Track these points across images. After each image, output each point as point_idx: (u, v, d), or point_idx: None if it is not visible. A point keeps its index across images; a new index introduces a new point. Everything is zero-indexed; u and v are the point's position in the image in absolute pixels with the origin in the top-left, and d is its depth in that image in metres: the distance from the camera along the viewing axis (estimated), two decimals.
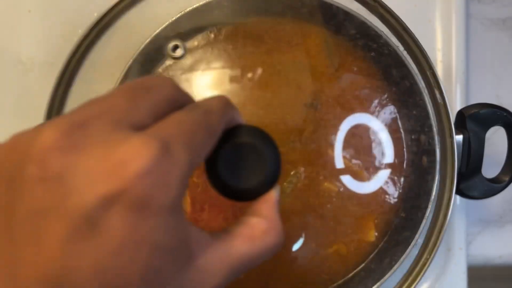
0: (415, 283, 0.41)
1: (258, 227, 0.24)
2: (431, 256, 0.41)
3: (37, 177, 0.18)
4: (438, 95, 0.42)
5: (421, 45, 0.43)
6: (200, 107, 0.23)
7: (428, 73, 0.43)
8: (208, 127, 0.23)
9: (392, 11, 0.43)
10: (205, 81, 0.47)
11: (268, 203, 0.26)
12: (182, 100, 0.24)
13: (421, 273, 0.41)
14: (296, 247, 0.45)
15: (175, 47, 0.44)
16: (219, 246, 0.23)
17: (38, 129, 0.20)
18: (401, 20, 0.43)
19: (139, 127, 0.20)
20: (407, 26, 0.43)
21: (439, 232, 0.41)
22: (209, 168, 0.26)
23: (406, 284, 0.42)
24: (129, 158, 0.19)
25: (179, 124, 0.21)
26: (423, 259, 0.42)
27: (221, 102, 0.25)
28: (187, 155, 0.20)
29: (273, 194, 0.26)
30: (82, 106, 0.21)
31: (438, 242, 0.41)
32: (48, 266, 0.18)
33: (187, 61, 0.47)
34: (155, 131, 0.20)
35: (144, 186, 0.19)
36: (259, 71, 0.46)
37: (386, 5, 0.43)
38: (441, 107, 0.42)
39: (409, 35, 0.43)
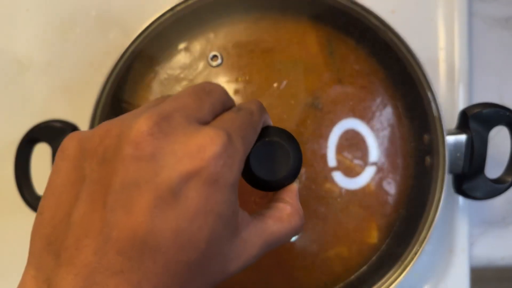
0: (404, 272, 0.42)
1: (285, 210, 0.29)
2: (421, 248, 0.42)
3: (132, 156, 0.22)
4: (430, 96, 0.42)
5: (405, 42, 0.42)
6: (244, 109, 0.28)
7: (419, 73, 0.42)
8: (253, 125, 0.28)
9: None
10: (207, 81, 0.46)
11: (292, 192, 0.30)
12: (229, 104, 0.29)
13: (411, 263, 0.42)
14: (297, 249, 0.44)
15: (214, 57, 0.45)
16: (256, 223, 0.27)
17: (130, 119, 0.24)
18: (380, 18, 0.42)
19: (204, 122, 0.25)
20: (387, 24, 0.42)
21: (429, 227, 0.42)
22: None
23: (396, 273, 0.42)
24: (206, 144, 0.23)
25: (234, 121, 0.26)
26: (413, 250, 0.42)
27: (258, 105, 0.30)
28: (243, 145, 0.25)
29: (295, 185, 0.31)
30: (163, 102, 0.25)
31: (428, 235, 0.42)
32: (137, 228, 0.21)
33: (188, 60, 0.47)
34: (220, 124, 0.25)
35: (217, 166, 0.23)
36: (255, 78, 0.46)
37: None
38: (433, 107, 0.42)
39: (391, 31, 0.43)
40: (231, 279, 0.44)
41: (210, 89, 0.28)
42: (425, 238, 0.41)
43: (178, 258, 0.22)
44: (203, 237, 0.23)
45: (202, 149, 0.23)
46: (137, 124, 0.23)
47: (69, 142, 0.25)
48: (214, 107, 0.27)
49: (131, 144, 0.22)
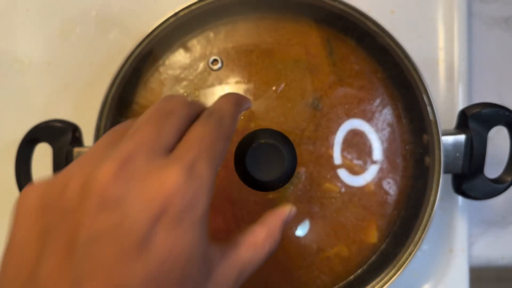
0: (398, 272, 0.42)
1: (260, 235, 0.28)
2: (415, 248, 0.42)
3: (97, 206, 0.22)
4: (426, 99, 0.42)
5: (402, 46, 0.42)
6: (213, 116, 0.27)
7: (415, 77, 0.43)
8: (223, 134, 0.27)
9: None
10: (207, 81, 0.46)
11: (277, 216, 0.30)
12: (197, 110, 0.28)
13: (405, 263, 0.42)
14: (296, 249, 0.44)
15: (214, 61, 0.46)
16: (229, 255, 0.26)
17: (91, 165, 0.23)
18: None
19: (168, 149, 0.24)
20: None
21: (424, 228, 0.42)
22: (238, 164, 0.32)
23: (390, 274, 0.42)
24: (166, 185, 0.22)
25: (200, 141, 0.25)
26: (408, 250, 0.42)
27: (230, 103, 0.29)
28: (209, 170, 0.24)
29: (286, 210, 0.30)
30: (122, 141, 0.24)
31: (423, 235, 0.42)
32: (106, 282, 0.21)
33: (188, 60, 0.47)
34: (181, 154, 0.24)
35: (180, 205, 0.22)
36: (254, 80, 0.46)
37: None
38: (429, 111, 0.42)
39: (388, 35, 0.43)
40: None
41: (169, 110, 0.26)
42: (420, 238, 0.41)
43: None
44: (175, 280, 0.22)
45: (163, 191, 0.22)
46: (100, 172, 0.22)
47: (28, 195, 0.24)
48: (178, 127, 0.26)
49: (95, 195, 0.22)
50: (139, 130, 0.25)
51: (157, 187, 0.22)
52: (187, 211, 0.22)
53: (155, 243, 0.22)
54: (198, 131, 0.26)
